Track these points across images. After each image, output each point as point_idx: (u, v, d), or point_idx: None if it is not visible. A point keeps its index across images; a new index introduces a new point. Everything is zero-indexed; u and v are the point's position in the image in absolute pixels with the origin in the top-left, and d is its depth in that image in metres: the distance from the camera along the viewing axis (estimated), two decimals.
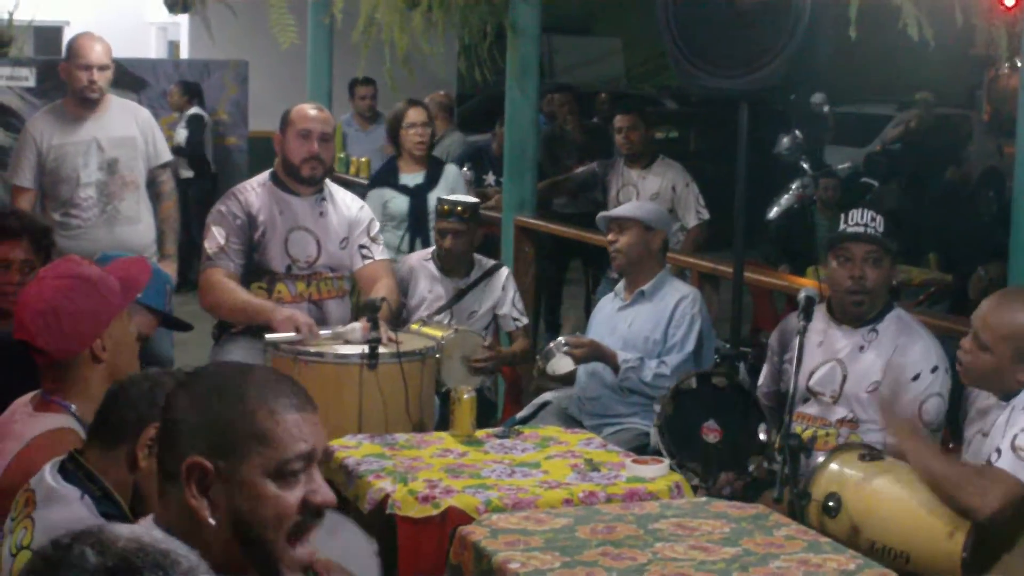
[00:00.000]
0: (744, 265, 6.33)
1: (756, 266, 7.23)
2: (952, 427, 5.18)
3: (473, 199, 7.21)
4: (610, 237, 6.33)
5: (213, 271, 6.12)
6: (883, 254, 5.20)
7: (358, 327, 5.80)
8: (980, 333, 4.41)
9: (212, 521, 2.45)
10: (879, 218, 5.19)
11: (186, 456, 2.46)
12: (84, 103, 7.01)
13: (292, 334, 5.77)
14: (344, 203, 6.41)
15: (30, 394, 3.85)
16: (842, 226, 5.23)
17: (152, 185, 7.27)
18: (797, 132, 14.15)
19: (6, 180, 12.26)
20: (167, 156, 7.35)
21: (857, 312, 5.22)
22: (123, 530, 1.85)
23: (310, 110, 6.28)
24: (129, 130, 7.14)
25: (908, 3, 4.94)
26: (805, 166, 13.20)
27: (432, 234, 7.41)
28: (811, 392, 5.29)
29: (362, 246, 6.36)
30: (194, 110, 13.87)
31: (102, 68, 6.97)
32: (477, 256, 7.04)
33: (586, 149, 12.38)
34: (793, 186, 12.28)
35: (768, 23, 5.57)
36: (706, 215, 8.74)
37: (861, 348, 5.23)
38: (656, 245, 6.28)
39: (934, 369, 5.12)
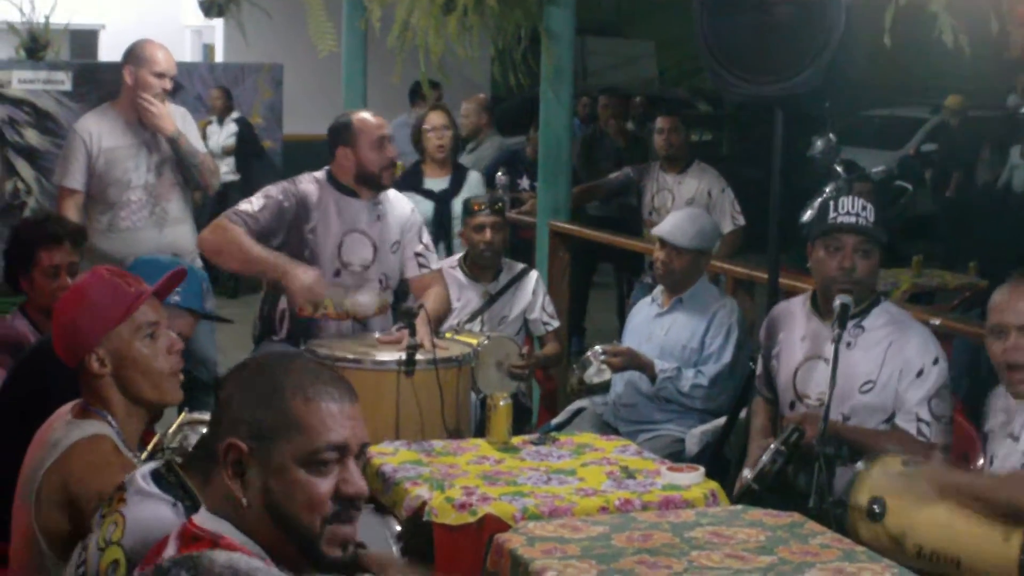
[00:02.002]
0: (779, 270, 6.31)
1: (790, 271, 7.20)
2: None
3: (495, 195, 7.25)
4: (663, 257, 6.31)
5: (228, 223, 6.05)
6: (873, 245, 5.11)
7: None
8: None
9: (244, 501, 2.57)
10: (870, 207, 5.11)
11: (226, 438, 2.57)
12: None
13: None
14: (398, 204, 6.41)
15: (73, 401, 3.87)
16: (832, 214, 5.11)
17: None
18: (831, 135, 14.12)
19: (45, 183, 12.40)
20: (201, 148, 7.32)
21: None
22: (221, 557, 1.90)
23: (373, 118, 6.26)
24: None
25: (943, 12, 4.94)
26: (839, 169, 13.14)
27: (459, 239, 7.41)
28: (797, 395, 5.22)
29: (418, 254, 6.35)
30: (237, 113, 13.97)
31: (172, 77, 7.03)
32: (505, 259, 7.06)
33: (624, 154, 12.39)
34: (827, 189, 12.20)
35: (803, 31, 5.56)
36: (741, 221, 8.75)
37: (848, 344, 5.10)
38: (703, 265, 6.31)
39: (935, 361, 5.06)
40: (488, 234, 6.83)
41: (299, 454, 2.56)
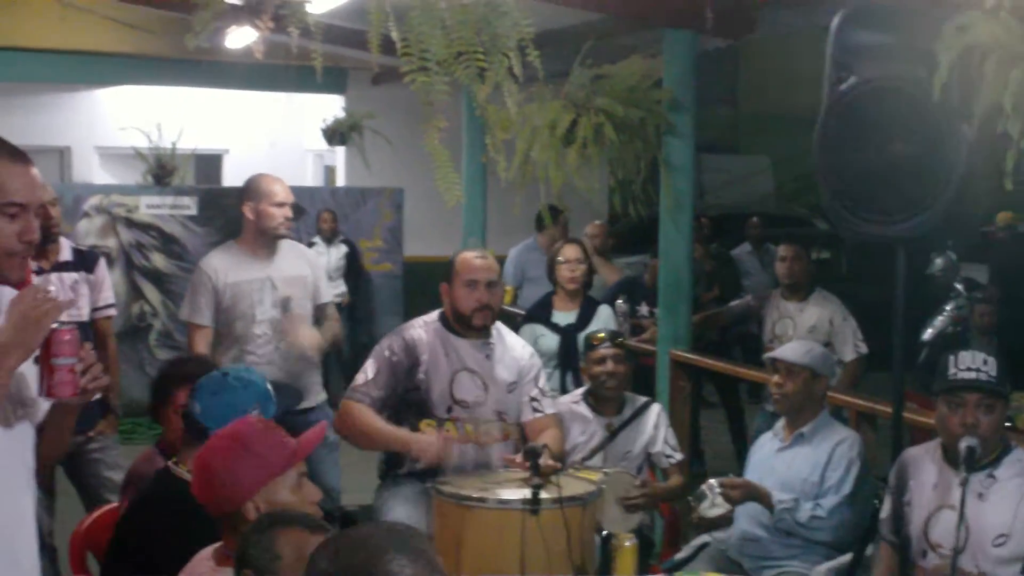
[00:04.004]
0: (903, 405, 6.25)
1: (915, 398, 7.16)
2: None
3: (614, 329, 7.35)
4: (777, 380, 6.35)
5: (353, 403, 6.24)
6: (995, 400, 5.04)
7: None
8: None
9: None
10: (991, 360, 5.04)
11: None
12: (262, 242, 7.19)
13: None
14: (514, 346, 6.49)
15: (213, 546, 3.96)
16: (952, 370, 5.06)
17: (317, 321, 7.41)
18: (951, 253, 14.08)
19: (170, 306, 12.65)
20: (328, 297, 7.50)
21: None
22: None
23: (475, 259, 6.35)
24: (300, 269, 7.32)
25: None
26: (959, 287, 13.07)
27: (583, 375, 7.44)
28: (929, 544, 5.13)
29: (533, 399, 6.42)
30: (342, 236, 14.19)
31: (292, 204, 7.20)
32: (628, 393, 7.09)
33: (714, 276, 12.42)
34: (948, 308, 12.15)
35: (924, 170, 5.54)
36: (864, 349, 8.66)
37: (980, 495, 5.04)
38: (821, 391, 6.32)
39: None
40: (610, 365, 6.88)
41: None
